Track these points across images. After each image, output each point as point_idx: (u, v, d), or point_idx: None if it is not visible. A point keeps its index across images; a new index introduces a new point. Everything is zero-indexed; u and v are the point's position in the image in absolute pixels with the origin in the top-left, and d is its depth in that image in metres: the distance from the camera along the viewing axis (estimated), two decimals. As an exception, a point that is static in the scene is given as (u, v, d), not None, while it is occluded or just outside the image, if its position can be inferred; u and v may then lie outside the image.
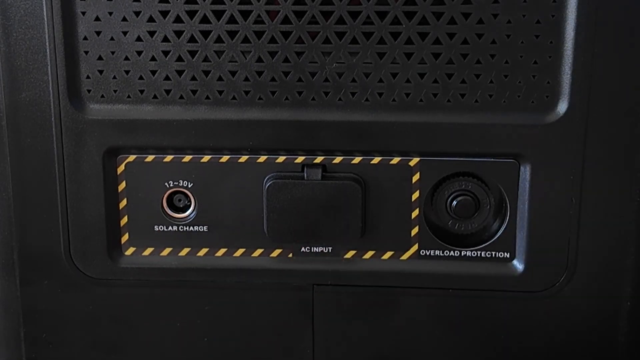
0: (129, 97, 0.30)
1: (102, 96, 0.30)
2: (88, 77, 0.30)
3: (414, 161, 0.30)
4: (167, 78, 0.30)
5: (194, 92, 0.30)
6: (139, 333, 0.33)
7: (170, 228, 0.32)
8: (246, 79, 0.30)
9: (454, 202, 0.31)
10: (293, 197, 0.30)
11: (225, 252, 0.32)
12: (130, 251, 0.32)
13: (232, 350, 0.34)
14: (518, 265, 0.31)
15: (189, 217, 0.32)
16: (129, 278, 0.32)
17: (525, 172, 0.30)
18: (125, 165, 0.31)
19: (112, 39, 0.29)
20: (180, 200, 0.32)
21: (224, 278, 0.32)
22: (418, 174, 0.31)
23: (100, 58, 0.30)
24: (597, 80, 0.29)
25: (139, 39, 0.29)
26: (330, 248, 0.32)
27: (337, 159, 0.31)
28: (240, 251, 0.32)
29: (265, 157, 0.31)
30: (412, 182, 0.31)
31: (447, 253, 0.31)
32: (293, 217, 0.30)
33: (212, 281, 0.32)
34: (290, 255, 0.32)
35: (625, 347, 0.32)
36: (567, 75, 0.29)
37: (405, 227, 0.31)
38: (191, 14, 0.29)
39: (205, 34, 0.29)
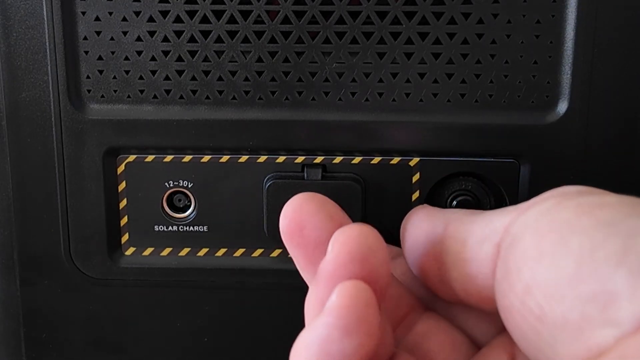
0: (129, 97, 0.30)
1: (102, 96, 0.30)
2: (88, 77, 0.30)
3: (414, 161, 0.30)
4: (167, 78, 0.30)
5: (194, 92, 0.30)
6: (139, 333, 0.33)
7: (170, 228, 0.32)
8: (246, 79, 0.30)
9: (454, 202, 0.31)
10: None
11: (225, 252, 0.32)
12: (130, 251, 0.32)
13: (232, 350, 0.34)
14: (518, 265, 0.31)
15: (189, 217, 0.32)
16: (129, 278, 0.32)
17: (525, 172, 0.30)
18: (125, 165, 0.31)
19: (112, 39, 0.29)
20: (180, 200, 0.32)
21: (224, 278, 0.32)
22: (418, 174, 0.31)
23: (100, 58, 0.30)
24: (597, 80, 0.29)
25: (139, 39, 0.29)
26: (330, 248, 0.32)
27: (337, 159, 0.31)
28: (240, 251, 0.32)
29: (265, 157, 0.31)
30: (412, 182, 0.31)
31: (447, 253, 0.31)
32: (293, 217, 0.30)
33: (212, 281, 0.32)
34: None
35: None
36: (567, 75, 0.29)
37: (405, 227, 0.31)
38: (191, 14, 0.29)
39: (205, 34, 0.29)
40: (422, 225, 0.24)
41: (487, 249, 0.21)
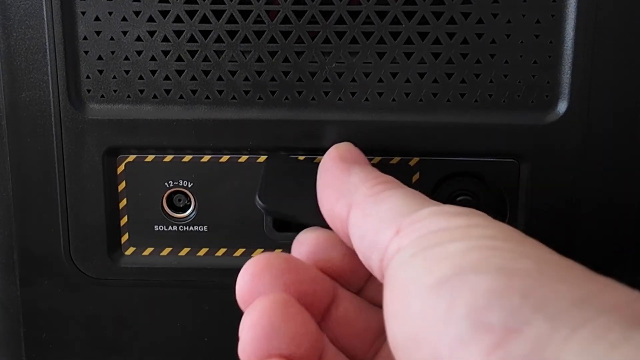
0: (128, 97, 0.30)
1: (102, 96, 0.30)
2: (88, 77, 0.30)
3: (414, 161, 0.30)
4: (167, 78, 0.30)
5: (194, 92, 0.30)
6: (139, 333, 0.33)
7: (170, 228, 0.32)
8: (246, 79, 0.30)
9: (454, 202, 0.31)
10: (293, 197, 0.30)
11: (225, 252, 0.32)
12: (130, 251, 0.32)
13: (232, 350, 0.34)
14: (518, 265, 0.31)
15: (188, 217, 0.32)
16: (129, 278, 0.32)
17: (525, 172, 0.30)
18: (125, 165, 0.31)
19: (112, 38, 0.29)
20: (180, 200, 0.32)
21: (224, 278, 0.32)
22: (418, 174, 0.31)
23: (100, 58, 0.30)
24: (597, 80, 0.29)
25: (138, 38, 0.29)
26: (330, 248, 0.32)
27: (337, 159, 0.30)
28: (240, 251, 0.32)
29: (265, 157, 0.31)
30: (412, 182, 0.31)
31: (447, 253, 0.31)
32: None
33: (212, 281, 0.32)
34: (290, 255, 0.32)
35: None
36: (567, 75, 0.29)
37: (405, 227, 0.31)
38: (191, 13, 0.29)
39: (205, 34, 0.29)
40: (329, 194, 0.25)
41: (376, 259, 0.22)
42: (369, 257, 0.23)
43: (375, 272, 0.23)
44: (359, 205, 0.24)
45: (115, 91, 0.30)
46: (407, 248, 0.20)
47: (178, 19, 0.29)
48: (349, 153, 0.27)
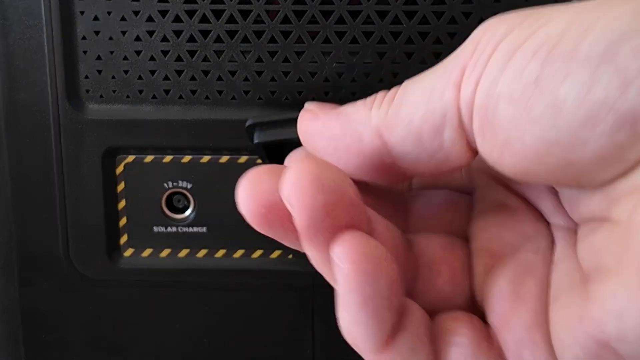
0: (128, 97, 0.30)
1: (101, 96, 0.30)
2: (87, 77, 0.30)
3: (414, 162, 0.30)
4: (166, 78, 0.30)
5: (193, 92, 0.30)
6: (139, 333, 0.33)
7: (169, 229, 0.32)
8: (246, 79, 0.30)
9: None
10: (293, 197, 0.30)
11: (225, 253, 0.32)
12: (129, 252, 0.32)
13: (231, 351, 0.34)
14: (519, 266, 0.31)
15: (188, 218, 0.32)
16: (128, 279, 0.32)
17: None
18: (124, 166, 0.31)
19: (111, 38, 0.29)
20: (179, 200, 0.31)
21: (223, 279, 0.32)
22: (418, 175, 0.30)
23: (99, 58, 0.30)
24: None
25: (138, 38, 0.29)
26: (330, 249, 0.32)
27: (337, 160, 0.30)
28: (240, 252, 0.32)
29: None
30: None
31: (447, 254, 0.31)
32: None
33: (212, 282, 0.32)
34: (290, 256, 0.32)
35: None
36: (569, 75, 0.29)
37: (406, 228, 0.31)
38: (190, 13, 0.29)
39: (205, 33, 0.29)
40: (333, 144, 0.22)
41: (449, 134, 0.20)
42: (437, 131, 0.20)
43: (454, 134, 0.20)
44: (382, 123, 0.21)
45: (114, 91, 0.30)
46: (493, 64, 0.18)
47: (177, 19, 0.29)
48: (318, 106, 0.24)
